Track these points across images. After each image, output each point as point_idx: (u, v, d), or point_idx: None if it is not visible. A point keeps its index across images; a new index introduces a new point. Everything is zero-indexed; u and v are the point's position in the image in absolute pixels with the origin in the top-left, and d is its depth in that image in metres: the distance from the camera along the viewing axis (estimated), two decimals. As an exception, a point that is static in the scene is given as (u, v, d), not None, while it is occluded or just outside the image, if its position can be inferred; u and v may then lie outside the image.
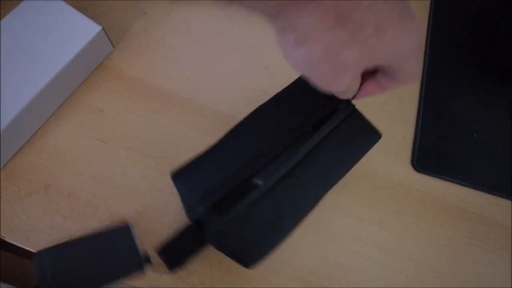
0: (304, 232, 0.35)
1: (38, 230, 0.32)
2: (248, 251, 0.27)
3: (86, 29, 0.35)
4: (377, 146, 0.40)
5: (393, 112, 0.41)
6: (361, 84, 0.23)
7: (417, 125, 0.40)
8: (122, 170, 0.35)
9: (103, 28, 0.36)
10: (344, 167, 0.31)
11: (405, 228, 0.37)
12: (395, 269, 0.35)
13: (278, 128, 0.28)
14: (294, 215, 0.29)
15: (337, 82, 0.19)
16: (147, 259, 0.27)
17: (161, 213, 0.34)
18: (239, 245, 0.27)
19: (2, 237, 0.31)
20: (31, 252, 0.31)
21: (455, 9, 0.46)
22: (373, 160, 0.39)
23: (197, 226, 0.29)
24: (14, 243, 0.31)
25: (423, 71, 0.42)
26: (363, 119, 0.31)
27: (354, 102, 0.30)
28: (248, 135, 0.28)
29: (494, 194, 0.38)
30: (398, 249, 0.36)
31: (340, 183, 0.39)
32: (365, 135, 0.31)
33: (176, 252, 0.29)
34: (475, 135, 0.40)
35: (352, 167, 0.32)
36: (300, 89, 0.29)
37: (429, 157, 0.39)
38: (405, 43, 0.18)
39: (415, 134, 0.40)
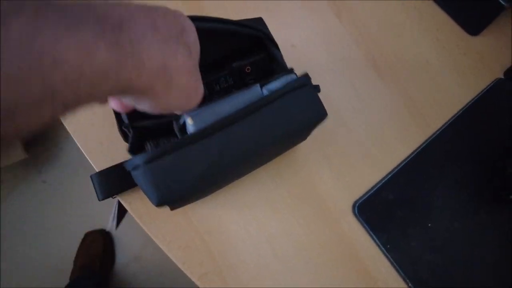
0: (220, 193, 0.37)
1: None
2: (167, 191, 0.25)
3: None
4: (336, 173, 0.40)
5: (375, 156, 0.41)
6: None
7: (383, 177, 0.40)
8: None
9: None
10: (283, 132, 0.29)
11: (303, 245, 0.37)
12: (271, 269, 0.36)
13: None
14: (227, 167, 0.27)
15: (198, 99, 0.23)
16: None
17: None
18: (159, 182, 0.25)
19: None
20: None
21: (482, 122, 0.45)
22: (324, 179, 0.39)
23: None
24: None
25: (421, 145, 0.41)
26: (314, 94, 0.30)
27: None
28: None
29: (405, 281, 0.36)
30: (285, 253, 0.36)
31: (280, 169, 0.40)
32: (313, 108, 0.30)
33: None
34: (429, 224, 0.38)
35: (293, 136, 0.30)
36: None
37: (372, 210, 0.38)
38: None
39: (376, 183, 0.39)
